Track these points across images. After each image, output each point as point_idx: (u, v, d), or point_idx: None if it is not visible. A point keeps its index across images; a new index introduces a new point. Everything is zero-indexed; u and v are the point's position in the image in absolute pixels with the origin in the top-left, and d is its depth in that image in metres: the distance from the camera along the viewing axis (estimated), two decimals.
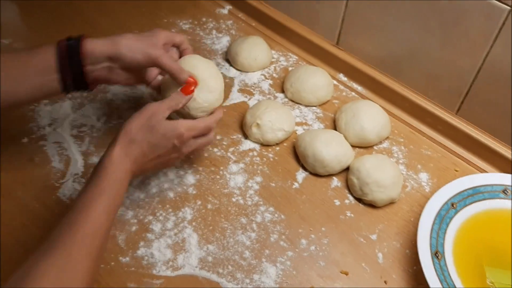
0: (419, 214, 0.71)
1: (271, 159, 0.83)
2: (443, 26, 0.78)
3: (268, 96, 0.92)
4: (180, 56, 0.76)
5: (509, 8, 0.69)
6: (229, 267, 0.70)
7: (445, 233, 0.70)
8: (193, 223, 0.74)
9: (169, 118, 0.67)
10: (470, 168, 0.83)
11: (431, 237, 0.68)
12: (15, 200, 0.75)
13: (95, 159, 0.80)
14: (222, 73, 0.94)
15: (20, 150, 0.81)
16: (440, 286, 0.63)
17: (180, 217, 0.74)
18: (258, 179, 0.80)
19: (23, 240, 0.70)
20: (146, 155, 0.65)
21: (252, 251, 0.71)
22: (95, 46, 0.68)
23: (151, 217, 0.74)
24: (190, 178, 0.79)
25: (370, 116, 0.83)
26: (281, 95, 0.92)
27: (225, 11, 1.08)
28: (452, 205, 0.72)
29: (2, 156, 0.79)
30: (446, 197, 0.73)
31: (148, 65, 0.71)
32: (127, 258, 0.69)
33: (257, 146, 0.84)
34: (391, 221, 0.76)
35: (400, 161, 0.83)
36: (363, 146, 0.85)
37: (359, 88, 0.94)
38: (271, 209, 0.76)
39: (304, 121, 0.89)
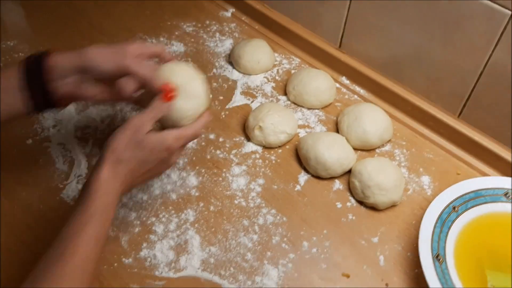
0: (421, 217, 0.71)
1: (274, 162, 0.83)
2: (445, 30, 0.78)
3: (270, 98, 0.93)
4: None
5: (510, 12, 0.70)
6: (231, 269, 0.70)
7: (446, 236, 0.70)
8: (196, 225, 0.74)
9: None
10: (472, 171, 0.83)
11: (432, 240, 0.69)
12: (19, 201, 0.76)
13: None
14: (224, 75, 0.96)
15: (24, 151, 0.82)
16: None
17: (182, 219, 0.75)
18: (261, 181, 0.80)
19: (27, 241, 0.71)
20: (135, 172, 0.62)
21: (254, 253, 0.72)
22: (61, 60, 0.64)
23: (154, 219, 0.74)
24: (193, 180, 0.80)
25: (372, 119, 0.84)
26: (283, 98, 0.93)
27: (228, 14, 1.08)
28: (454, 208, 0.72)
29: (6, 157, 0.80)
30: (447, 201, 0.73)
31: (120, 74, 0.65)
32: (130, 259, 0.70)
33: (259, 149, 0.85)
34: (393, 224, 0.76)
35: (402, 164, 0.84)
36: (365, 149, 0.85)
37: (362, 91, 0.94)
38: (273, 211, 0.77)
39: (306, 123, 0.89)
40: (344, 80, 0.96)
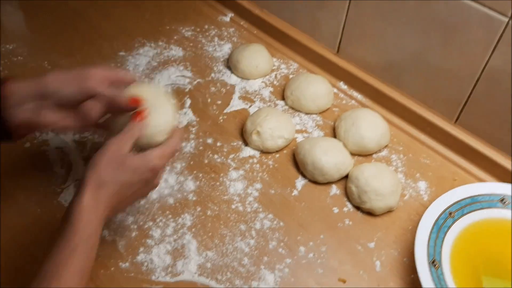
0: (417, 223, 0.71)
1: (271, 166, 0.83)
2: (443, 36, 0.79)
3: (268, 103, 0.93)
4: None
5: (507, 19, 0.70)
6: (228, 273, 0.70)
7: (442, 242, 0.70)
8: (193, 230, 0.74)
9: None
10: (468, 177, 0.84)
11: (428, 245, 0.69)
12: (17, 205, 0.76)
13: None
14: (223, 80, 0.96)
15: (22, 154, 0.82)
16: None
17: (179, 223, 0.75)
18: (258, 186, 0.80)
19: (25, 245, 0.71)
20: (119, 196, 0.59)
21: (251, 258, 0.72)
22: (17, 87, 0.61)
23: (151, 223, 0.75)
24: (190, 185, 0.80)
25: (370, 125, 0.84)
26: (281, 103, 0.93)
27: (227, 19, 1.09)
28: (450, 214, 0.73)
29: (4, 160, 0.80)
30: (444, 206, 0.73)
31: (83, 97, 0.62)
32: (127, 264, 0.70)
33: (257, 153, 0.85)
34: (389, 229, 0.76)
35: (399, 170, 0.84)
36: (362, 154, 0.85)
37: (359, 96, 0.94)
38: (270, 216, 0.77)
39: (304, 128, 0.89)
40: (342, 85, 0.96)
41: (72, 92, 0.62)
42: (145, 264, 0.70)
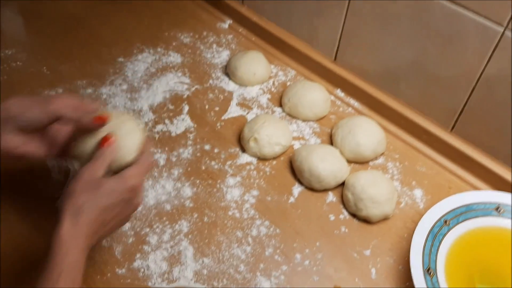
0: (413, 230, 0.71)
1: (268, 173, 0.84)
2: (439, 45, 0.79)
3: (266, 110, 0.94)
4: None
5: (502, 29, 0.71)
6: (224, 280, 0.70)
7: (437, 250, 0.71)
8: (189, 236, 0.75)
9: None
10: (463, 185, 0.84)
11: (423, 253, 0.69)
12: (15, 210, 0.76)
13: None
14: (221, 86, 0.97)
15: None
16: None
17: (176, 230, 0.75)
18: (255, 192, 0.81)
19: (23, 251, 0.71)
20: (99, 221, 0.57)
21: (247, 264, 0.72)
22: None
23: (148, 229, 0.75)
24: (188, 191, 0.80)
25: (366, 132, 0.84)
26: (279, 109, 0.94)
27: (225, 26, 1.09)
28: (445, 222, 0.73)
29: (3, 166, 0.80)
30: (439, 214, 0.74)
31: (47, 120, 0.61)
32: (123, 270, 0.70)
33: (254, 160, 0.85)
34: (385, 237, 0.77)
35: (395, 177, 0.84)
36: (358, 162, 0.86)
37: (356, 104, 0.95)
38: (267, 223, 0.77)
39: (301, 135, 0.90)
40: (339, 92, 0.97)
41: (35, 115, 0.60)
42: (142, 270, 0.71)
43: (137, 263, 0.71)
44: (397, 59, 0.87)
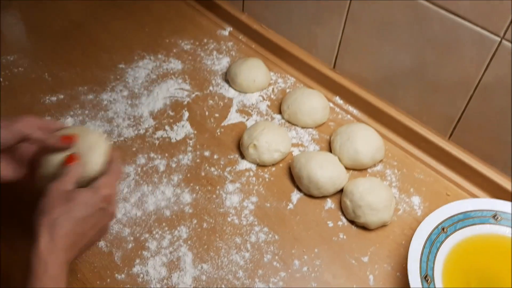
0: (411, 237, 0.72)
1: (267, 180, 0.84)
2: (437, 54, 0.80)
3: (265, 117, 0.94)
4: None
5: (499, 39, 0.72)
6: (223, 286, 0.71)
7: (435, 257, 0.71)
8: (189, 242, 0.75)
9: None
10: (461, 192, 0.85)
11: (421, 260, 0.69)
12: (15, 215, 0.76)
13: None
14: (221, 93, 0.98)
15: None
16: None
17: (175, 236, 0.76)
18: (254, 199, 0.81)
19: (24, 255, 0.71)
20: (76, 233, 0.57)
21: (246, 271, 0.73)
22: None
23: (147, 235, 0.75)
24: (187, 197, 0.81)
25: (365, 139, 0.85)
26: (278, 116, 0.94)
27: (226, 33, 1.10)
28: (443, 229, 0.74)
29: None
30: (437, 221, 0.74)
31: (12, 140, 0.60)
32: (123, 275, 0.71)
33: (253, 166, 0.86)
34: (383, 244, 0.77)
35: (393, 184, 0.85)
36: (357, 169, 0.86)
37: (355, 111, 0.96)
38: (266, 229, 0.78)
39: (300, 142, 0.90)
40: (338, 100, 0.97)
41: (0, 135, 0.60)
42: (141, 276, 0.71)
43: (136, 269, 0.71)
44: (396, 67, 0.87)
